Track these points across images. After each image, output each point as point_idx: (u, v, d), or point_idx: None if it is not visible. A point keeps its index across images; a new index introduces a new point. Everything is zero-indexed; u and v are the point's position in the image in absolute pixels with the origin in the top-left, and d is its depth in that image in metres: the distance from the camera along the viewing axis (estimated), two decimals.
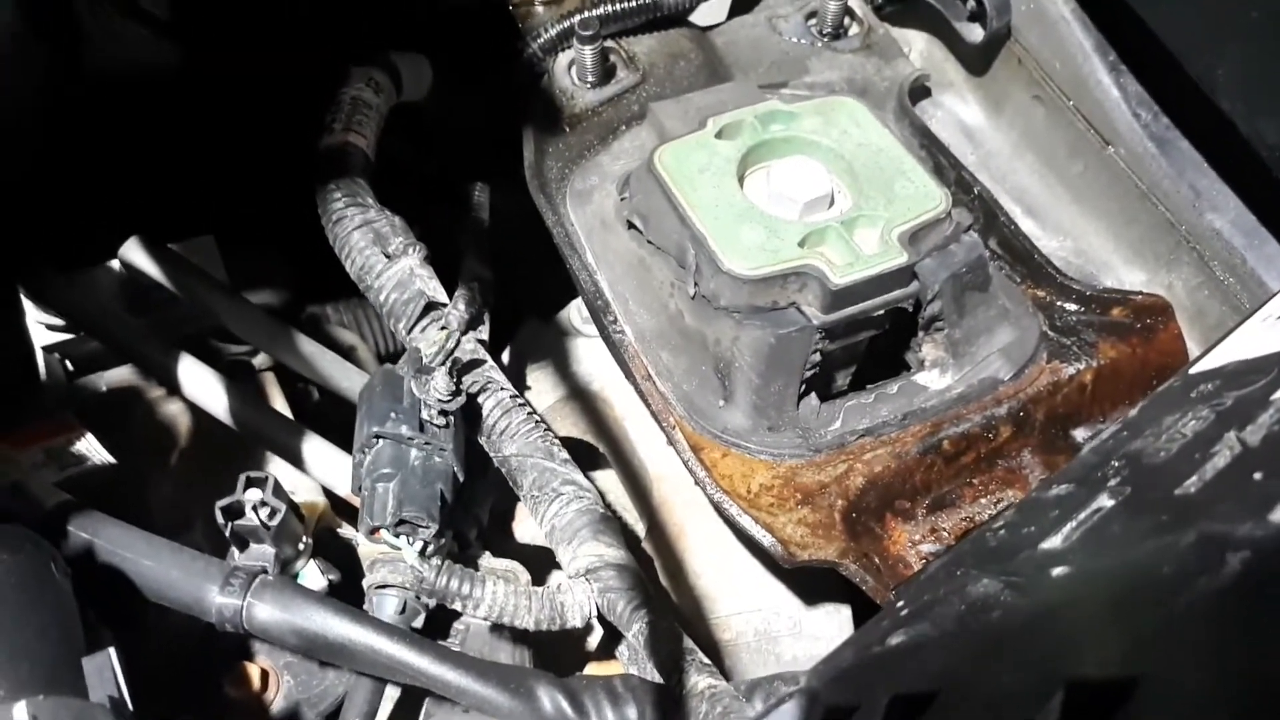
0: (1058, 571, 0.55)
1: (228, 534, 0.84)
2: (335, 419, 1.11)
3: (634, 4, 1.17)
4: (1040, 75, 1.12)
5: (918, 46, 1.26)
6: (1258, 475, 0.48)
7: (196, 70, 1.22)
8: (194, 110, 1.24)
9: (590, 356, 1.17)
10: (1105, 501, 0.59)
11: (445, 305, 1.00)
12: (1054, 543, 0.59)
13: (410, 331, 0.99)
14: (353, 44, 1.15)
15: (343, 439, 1.04)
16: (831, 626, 1.03)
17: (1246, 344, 0.67)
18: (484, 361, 1.00)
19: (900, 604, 0.69)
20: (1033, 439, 0.95)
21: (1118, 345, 0.98)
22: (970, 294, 0.93)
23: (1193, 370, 0.70)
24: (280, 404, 1.17)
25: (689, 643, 0.87)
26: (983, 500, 0.93)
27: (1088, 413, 0.97)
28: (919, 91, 1.22)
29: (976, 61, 1.19)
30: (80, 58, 1.14)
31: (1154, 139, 1.03)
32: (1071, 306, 1.02)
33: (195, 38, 1.20)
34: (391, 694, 0.89)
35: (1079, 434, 0.97)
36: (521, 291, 1.21)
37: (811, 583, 1.03)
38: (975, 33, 1.15)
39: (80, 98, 1.15)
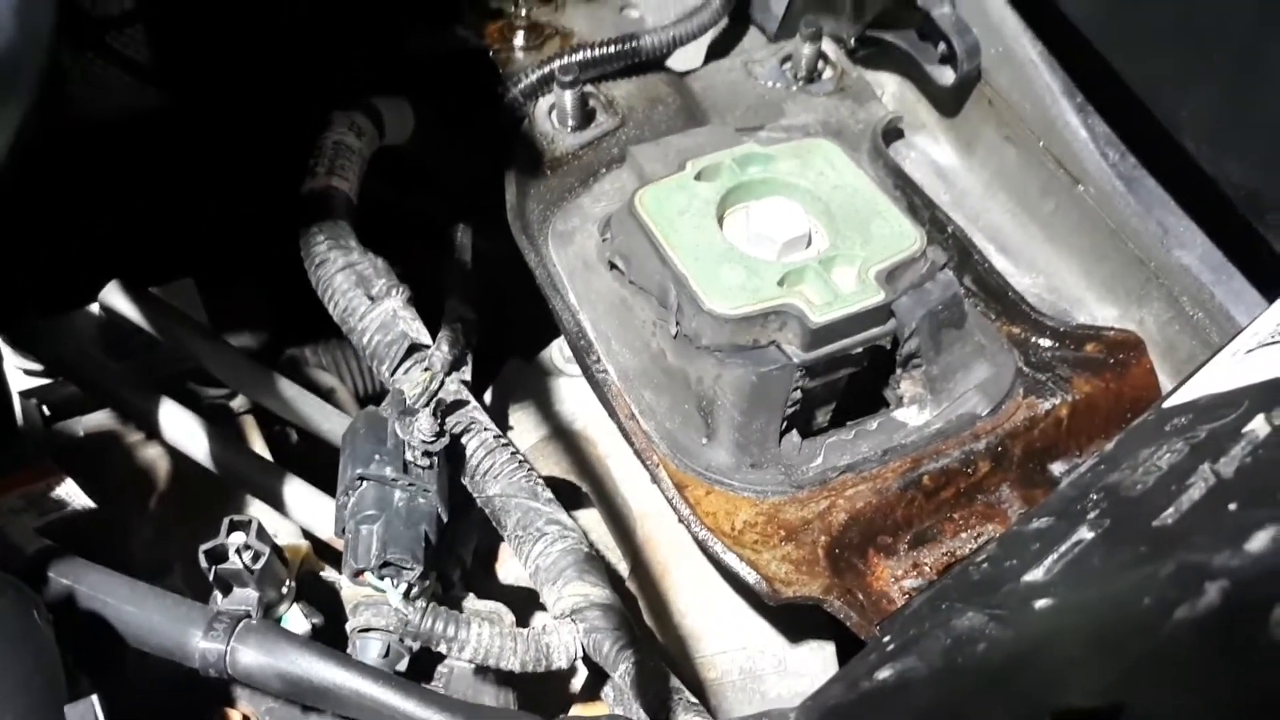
0: (1041, 604, 0.56)
1: (211, 578, 0.84)
2: (314, 461, 1.10)
3: (613, 50, 1.19)
4: (1010, 116, 1.14)
5: (890, 89, 1.28)
6: (1232, 506, 0.49)
7: (178, 115, 1.22)
8: (175, 154, 1.24)
9: (573, 396, 1.18)
10: (1085, 534, 0.60)
11: (428, 347, 1.01)
12: (1036, 575, 0.59)
13: (394, 373, 0.99)
14: (335, 88, 1.16)
15: (322, 481, 1.04)
16: (816, 663, 1.03)
17: (1217, 378, 0.68)
18: (467, 402, 1.00)
19: (886, 639, 0.70)
20: (1011, 473, 0.96)
21: (1092, 380, 0.99)
22: (946, 331, 0.95)
23: (1166, 404, 0.71)
24: (259, 446, 1.16)
25: (675, 682, 0.86)
26: (963, 535, 0.94)
27: (1064, 447, 0.99)
28: (892, 133, 1.24)
29: (948, 103, 1.21)
30: (63, 103, 1.14)
31: (1122, 178, 1.05)
32: (1046, 343, 1.03)
33: (177, 83, 1.20)
34: None
35: (1056, 468, 0.98)
36: (504, 332, 1.21)
37: (795, 620, 1.03)
38: (946, 75, 1.17)
39: (62, 143, 1.15)
